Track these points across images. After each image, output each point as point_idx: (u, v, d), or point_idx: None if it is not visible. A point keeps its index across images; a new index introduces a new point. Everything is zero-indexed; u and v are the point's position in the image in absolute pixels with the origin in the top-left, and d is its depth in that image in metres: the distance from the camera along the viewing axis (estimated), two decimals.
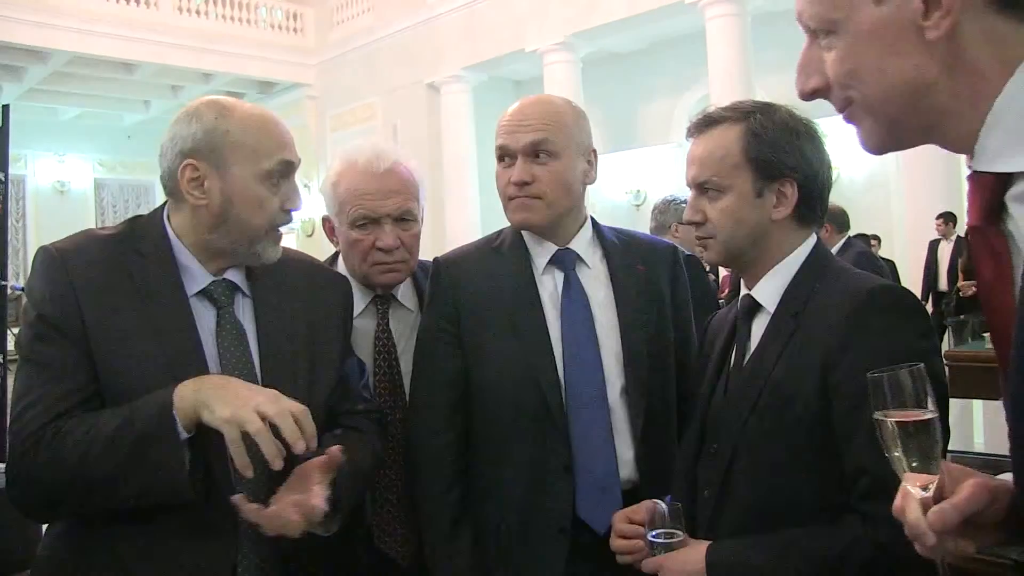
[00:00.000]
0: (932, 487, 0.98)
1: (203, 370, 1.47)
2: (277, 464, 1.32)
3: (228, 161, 1.48)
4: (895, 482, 1.24)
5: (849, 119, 0.92)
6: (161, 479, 1.34)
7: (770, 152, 1.45)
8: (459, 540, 1.75)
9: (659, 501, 1.49)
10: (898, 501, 1.01)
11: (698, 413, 1.60)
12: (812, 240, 1.52)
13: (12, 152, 5.11)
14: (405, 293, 2.06)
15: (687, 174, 1.54)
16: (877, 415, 1.04)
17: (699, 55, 11.23)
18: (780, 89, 10.74)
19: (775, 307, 1.48)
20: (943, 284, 9.36)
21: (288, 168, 1.55)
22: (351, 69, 15.80)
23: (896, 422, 1.02)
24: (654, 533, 1.45)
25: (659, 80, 13.64)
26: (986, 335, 6.52)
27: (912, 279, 9.35)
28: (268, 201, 1.52)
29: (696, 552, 1.41)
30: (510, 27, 13.09)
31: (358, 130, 15.71)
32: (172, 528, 1.42)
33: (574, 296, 1.80)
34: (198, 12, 15.27)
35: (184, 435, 1.34)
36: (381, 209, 1.91)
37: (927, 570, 1.25)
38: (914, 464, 1.01)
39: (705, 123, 1.53)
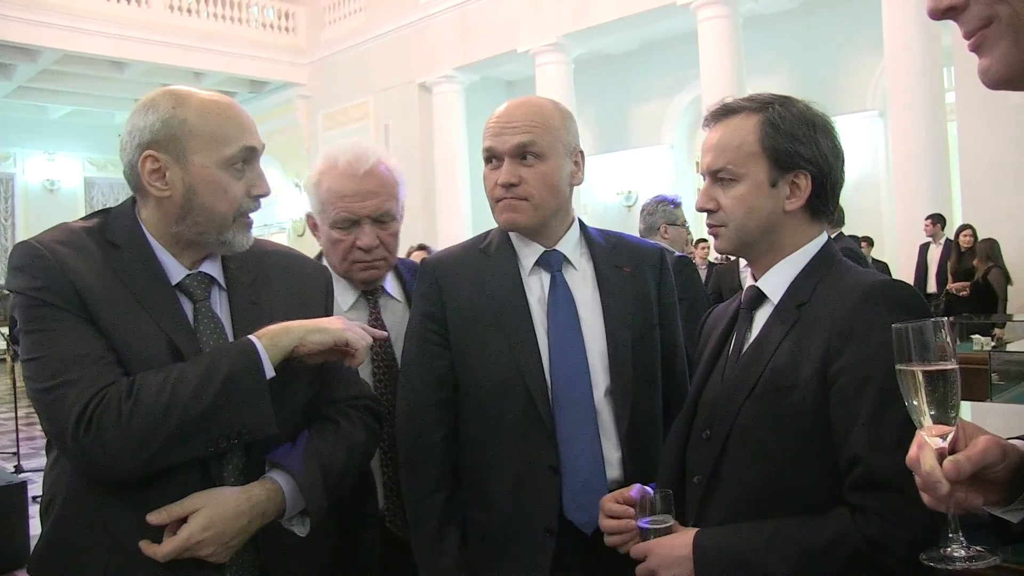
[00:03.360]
0: (949, 437, 1.01)
1: (198, 350, 1.47)
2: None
3: (188, 150, 1.47)
4: (888, 474, 1.26)
5: (976, 45, 0.86)
6: (248, 416, 1.42)
7: (786, 143, 1.45)
8: (446, 540, 1.75)
9: (647, 488, 1.49)
10: (913, 451, 1.04)
11: (688, 399, 1.61)
12: (823, 237, 1.52)
13: (1, 150, 5.09)
14: (391, 285, 2.10)
15: (701, 162, 1.54)
16: (900, 366, 1.06)
17: (691, 57, 11.27)
18: (772, 90, 10.72)
19: (779, 298, 1.48)
20: (932, 286, 9.39)
21: (251, 154, 1.54)
22: (343, 69, 15.79)
23: (916, 371, 1.04)
24: (645, 520, 1.45)
25: (651, 81, 13.68)
26: (974, 337, 6.54)
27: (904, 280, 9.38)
28: (232, 187, 1.51)
29: (684, 537, 1.41)
30: (502, 28, 13.10)
31: (350, 129, 15.69)
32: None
33: (560, 297, 1.81)
34: (189, 10, 15.25)
35: (271, 373, 1.44)
36: (360, 211, 1.95)
37: (914, 564, 1.26)
38: (932, 413, 1.03)
39: (722, 112, 1.53)
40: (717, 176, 1.50)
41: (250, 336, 1.46)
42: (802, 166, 1.46)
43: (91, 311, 1.41)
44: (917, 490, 1.17)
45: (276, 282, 1.65)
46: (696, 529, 1.43)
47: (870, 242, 9.85)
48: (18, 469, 6.73)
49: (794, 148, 1.46)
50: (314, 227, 2.06)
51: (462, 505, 1.80)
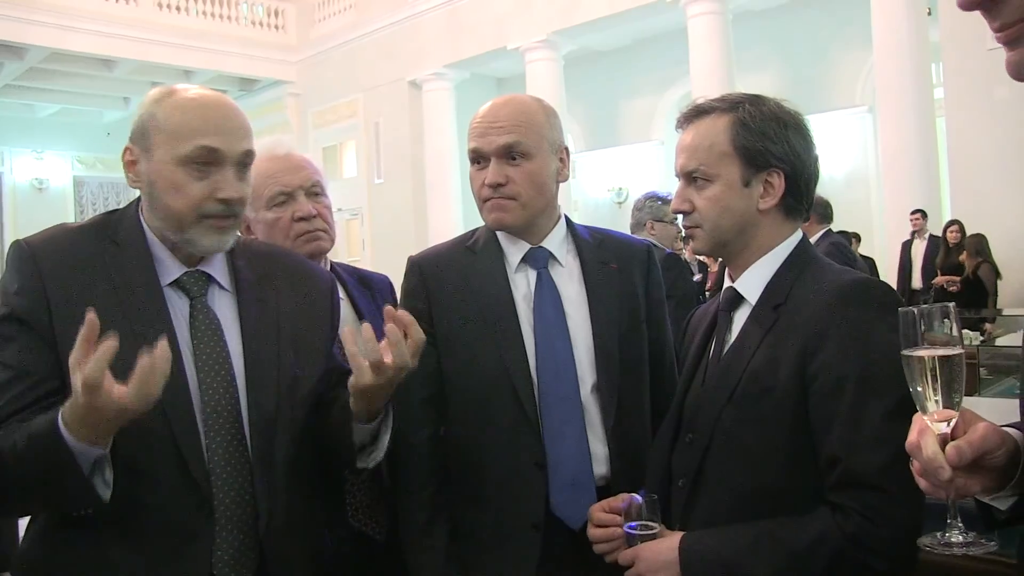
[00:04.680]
0: (952, 422, 1.02)
1: (176, 361, 1.45)
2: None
3: (153, 144, 1.49)
4: (867, 473, 1.27)
5: (1013, 37, 0.84)
6: (65, 497, 1.35)
7: (758, 142, 1.46)
8: (434, 536, 1.76)
9: (637, 496, 1.50)
10: (913, 436, 1.04)
11: (674, 403, 1.62)
12: (798, 235, 1.53)
13: None
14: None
15: (676, 163, 1.55)
16: (905, 351, 1.07)
17: (681, 53, 11.29)
18: (762, 86, 10.81)
19: (756, 299, 1.49)
20: (917, 282, 9.41)
21: (211, 155, 1.48)
22: (333, 66, 15.75)
23: (921, 356, 1.05)
24: (631, 525, 1.46)
25: (641, 78, 13.69)
26: (963, 331, 6.56)
27: (892, 276, 9.42)
28: (189, 187, 1.48)
29: (670, 542, 1.42)
30: (492, 25, 13.09)
31: (340, 127, 15.68)
32: (151, 529, 1.42)
33: (546, 294, 1.81)
34: (179, 8, 15.18)
35: (98, 453, 1.31)
36: (293, 182, 1.99)
37: (895, 562, 1.27)
38: (936, 399, 1.04)
39: (694, 113, 1.54)
40: (691, 177, 1.51)
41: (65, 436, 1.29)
42: (774, 164, 1.47)
43: (56, 321, 1.42)
44: (896, 488, 1.18)
45: (281, 283, 1.65)
46: (682, 533, 1.44)
47: (857, 238, 9.88)
48: None
49: (765, 147, 1.46)
50: (247, 228, 2.05)
51: (450, 501, 1.80)
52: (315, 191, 2.03)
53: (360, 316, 2.07)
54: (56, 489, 1.34)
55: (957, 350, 1.05)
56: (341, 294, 2.08)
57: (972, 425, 1.03)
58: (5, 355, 1.42)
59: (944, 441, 1.01)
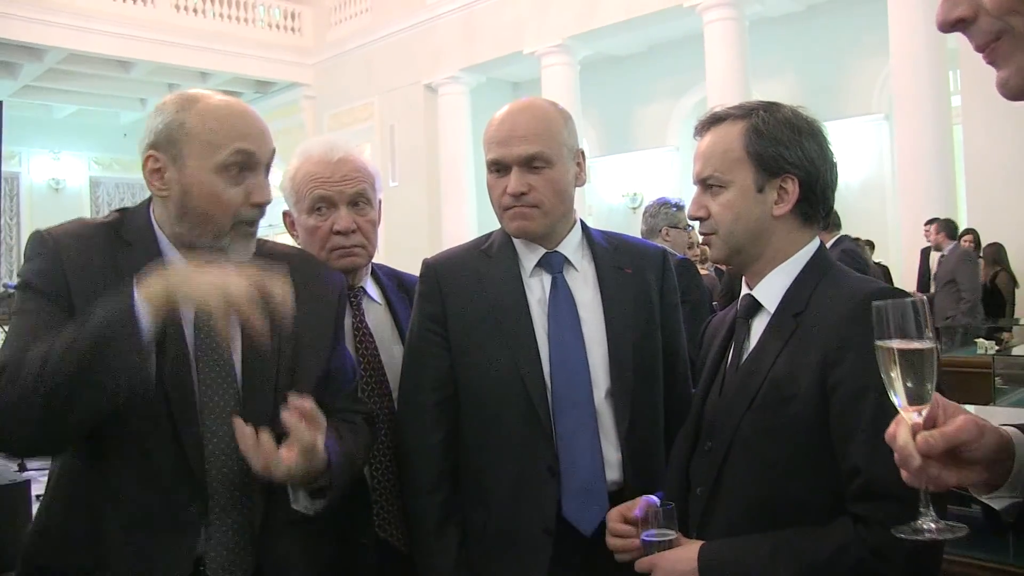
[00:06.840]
0: (924, 413, 1.03)
1: (182, 354, 1.48)
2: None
3: (184, 153, 1.49)
4: (887, 484, 1.26)
5: (991, 57, 0.85)
6: (123, 377, 1.31)
7: (771, 147, 1.47)
8: (445, 539, 1.76)
9: (652, 498, 1.50)
10: (891, 428, 1.06)
11: (692, 411, 1.61)
12: (815, 243, 1.53)
13: (6, 149, 5.11)
14: (371, 287, 2.09)
15: (693, 171, 1.56)
16: (879, 343, 1.08)
17: (697, 58, 11.26)
18: (777, 93, 10.79)
19: (775, 307, 1.49)
20: (934, 290, 9.33)
21: (248, 159, 1.52)
22: (349, 69, 15.80)
23: (894, 348, 1.07)
24: (648, 533, 1.46)
25: (657, 83, 13.67)
26: (978, 340, 6.51)
27: (907, 285, 9.36)
28: (227, 193, 1.50)
29: (688, 551, 1.41)
30: (508, 29, 13.11)
31: (355, 130, 15.70)
32: (138, 519, 1.44)
33: (561, 299, 1.81)
34: (196, 10, 15.27)
35: (149, 329, 1.31)
36: (335, 190, 1.95)
37: (916, 572, 1.26)
38: (909, 387, 1.05)
39: (711, 121, 1.55)
40: (706, 183, 1.52)
41: (136, 290, 1.33)
42: (788, 170, 1.47)
43: (75, 303, 1.43)
44: (917, 499, 1.17)
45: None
46: (700, 542, 1.43)
47: (871, 245, 9.82)
48: (21, 467, 6.73)
49: (778, 152, 1.47)
50: (291, 225, 2.06)
51: (461, 505, 1.80)
52: (359, 202, 1.97)
53: (396, 320, 2.07)
54: (114, 361, 1.29)
55: (928, 344, 1.07)
56: (379, 299, 2.08)
57: (953, 417, 1.04)
58: (34, 305, 1.43)
59: (917, 430, 1.02)
